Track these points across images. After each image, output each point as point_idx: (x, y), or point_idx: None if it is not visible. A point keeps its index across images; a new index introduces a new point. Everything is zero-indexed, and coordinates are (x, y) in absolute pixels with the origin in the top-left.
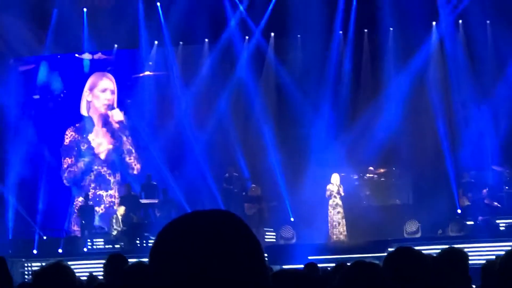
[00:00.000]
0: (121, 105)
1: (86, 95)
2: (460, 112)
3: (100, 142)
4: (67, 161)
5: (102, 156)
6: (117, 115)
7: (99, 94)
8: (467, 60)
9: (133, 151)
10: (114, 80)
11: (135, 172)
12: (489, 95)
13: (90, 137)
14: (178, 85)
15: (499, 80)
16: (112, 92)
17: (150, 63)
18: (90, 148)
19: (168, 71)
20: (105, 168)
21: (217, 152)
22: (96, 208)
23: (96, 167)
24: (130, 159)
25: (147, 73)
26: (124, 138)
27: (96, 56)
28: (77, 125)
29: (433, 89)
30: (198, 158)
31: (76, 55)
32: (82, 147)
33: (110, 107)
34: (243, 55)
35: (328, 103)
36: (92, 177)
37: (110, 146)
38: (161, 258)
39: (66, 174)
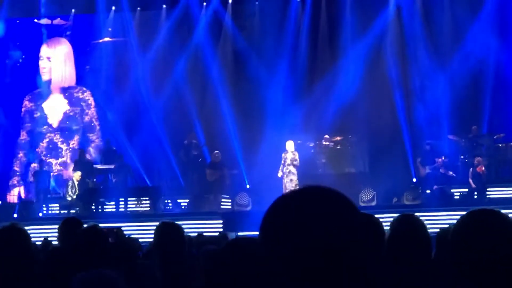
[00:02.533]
0: (80, 71)
1: (41, 60)
2: (416, 81)
3: (55, 108)
4: (23, 134)
5: (55, 124)
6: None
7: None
8: (424, 29)
9: (97, 125)
10: (57, 47)
11: (93, 144)
12: (446, 64)
13: (45, 104)
14: (136, 51)
15: (456, 50)
16: (49, 59)
17: (110, 29)
18: (43, 116)
19: (126, 37)
20: (57, 136)
21: (174, 117)
22: None
23: (48, 135)
24: (92, 136)
25: (105, 39)
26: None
27: (55, 22)
28: (36, 91)
29: (390, 57)
30: (154, 123)
31: (35, 20)
32: (35, 115)
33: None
34: (200, 21)
35: (285, 70)
36: (45, 144)
37: (64, 113)
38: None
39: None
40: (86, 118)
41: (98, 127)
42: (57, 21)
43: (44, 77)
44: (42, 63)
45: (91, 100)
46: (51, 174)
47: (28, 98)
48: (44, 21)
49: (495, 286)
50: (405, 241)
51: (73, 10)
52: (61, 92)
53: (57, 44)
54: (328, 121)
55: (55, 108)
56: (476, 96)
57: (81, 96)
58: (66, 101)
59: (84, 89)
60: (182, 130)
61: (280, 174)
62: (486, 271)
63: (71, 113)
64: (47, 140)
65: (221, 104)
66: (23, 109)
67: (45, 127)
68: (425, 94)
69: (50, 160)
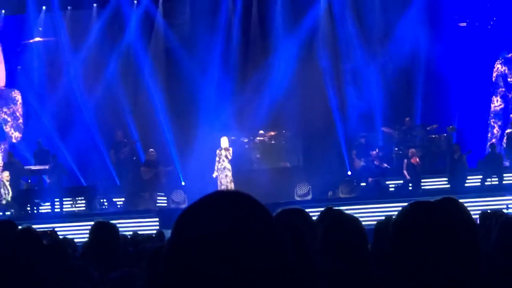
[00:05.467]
0: (12, 72)
1: None
2: (349, 75)
3: None
4: None
5: None
6: None
7: None
8: (355, 23)
9: (9, 119)
10: None
11: (13, 140)
12: (378, 57)
13: None
14: (67, 51)
15: (387, 43)
16: None
17: (40, 28)
18: None
19: (57, 37)
20: None
21: (107, 116)
22: None
23: None
24: (6, 128)
25: (36, 39)
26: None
27: None
28: None
29: (322, 51)
30: (88, 123)
31: None
32: None
33: None
34: (132, 20)
35: (217, 66)
36: None
37: None
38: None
39: None
40: (15, 118)
41: (10, 121)
42: None
43: None
44: None
45: (19, 100)
46: None
47: None
48: None
49: (435, 275)
50: (337, 235)
51: (3, 11)
52: None
53: None
54: (262, 117)
55: None
56: (408, 88)
57: (12, 96)
58: None
59: (15, 90)
60: (116, 129)
61: (215, 174)
62: (427, 262)
63: (3, 115)
64: None
65: (154, 102)
66: None
67: None
68: (357, 87)
69: None
